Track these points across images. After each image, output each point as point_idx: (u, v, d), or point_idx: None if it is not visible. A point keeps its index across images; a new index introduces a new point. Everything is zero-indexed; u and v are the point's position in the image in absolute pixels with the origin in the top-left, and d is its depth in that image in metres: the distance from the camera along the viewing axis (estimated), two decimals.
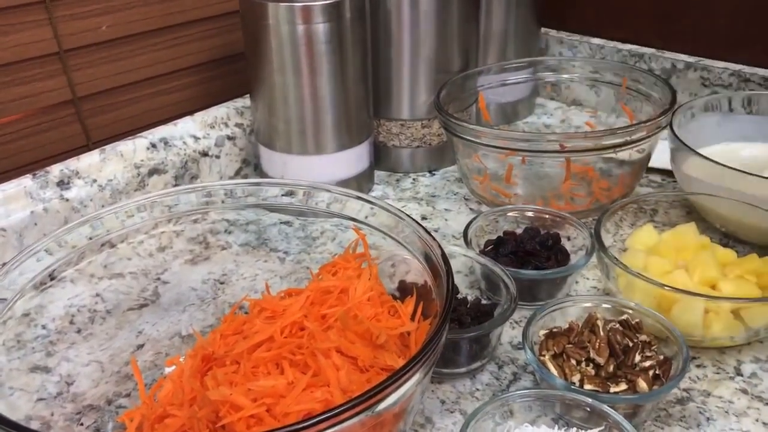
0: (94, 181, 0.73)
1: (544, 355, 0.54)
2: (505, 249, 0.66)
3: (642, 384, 0.50)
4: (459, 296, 0.62)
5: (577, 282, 0.68)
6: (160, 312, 0.63)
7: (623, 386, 0.51)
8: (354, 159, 0.80)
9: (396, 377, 0.38)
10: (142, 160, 0.76)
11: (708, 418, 0.53)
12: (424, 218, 0.79)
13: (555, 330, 0.56)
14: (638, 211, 0.72)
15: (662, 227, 0.69)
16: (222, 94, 0.88)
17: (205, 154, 0.81)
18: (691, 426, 0.53)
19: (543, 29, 1.05)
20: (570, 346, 0.54)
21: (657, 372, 0.52)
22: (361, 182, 0.81)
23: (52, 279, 0.58)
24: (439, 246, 0.49)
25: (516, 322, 0.63)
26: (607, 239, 0.66)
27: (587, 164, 0.79)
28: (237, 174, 0.86)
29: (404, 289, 0.58)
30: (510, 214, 0.71)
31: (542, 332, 0.56)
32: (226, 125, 0.84)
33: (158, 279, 0.65)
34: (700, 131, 0.78)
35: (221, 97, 0.87)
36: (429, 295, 0.51)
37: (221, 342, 0.50)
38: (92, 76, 0.76)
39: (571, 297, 0.61)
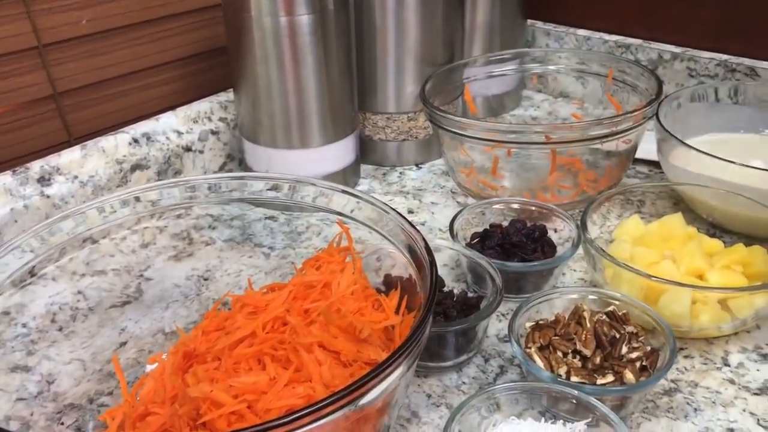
0: (76, 177, 0.72)
1: (530, 348, 0.54)
2: (491, 241, 0.66)
3: (629, 375, 0.50)
4: (445, 289, 0.62)
5: (563, 274, 0.68)
6: (143, 309, 0.62)
7: (610, 378, 0.50)
8: (340, 153, 0.79)
9: (379, 370, 0.37)
10: (124, 156, 0.75)
11: (695, 409, 0.53)
12: (410, 212, 0.79)
13: (541, 322, 0.56)
14: (625, 203, 0.72)
15: (649, 218, 0.69)
16: (205, 88, 0.87)
17: (188, 149, 0.80)
18: (679, 417, 0.52)
19: (529, 21, 1.04)
20: (556, 338, 0.54)
21: (644, 363, 0.51)
22: (347, 176, 0.81)
23: (32, 276, 0.57)
24: (423, 238, 0.48)
25: (502, 315, 0.63)
26: (594, 231, 0.65)
27: (574, 156, 0.79)
28: (221, 169, 0.85)
29: (389, 283, 0.57)
30: (496, 206, 0.70)
31: (528, 324, 0.56)
32: (210, 120, 0.83)
33: (141, 276, 0.64)
34: (686, 122, 0.78)
35: (204, 92, 0.86)
36: (414, 289, 0.51)
37: (203, 338, 0.49)
38: (73, 71, 0.75)
39: (557, 289, 0.61)
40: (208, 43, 0.87)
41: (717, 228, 0.70)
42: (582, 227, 0.62)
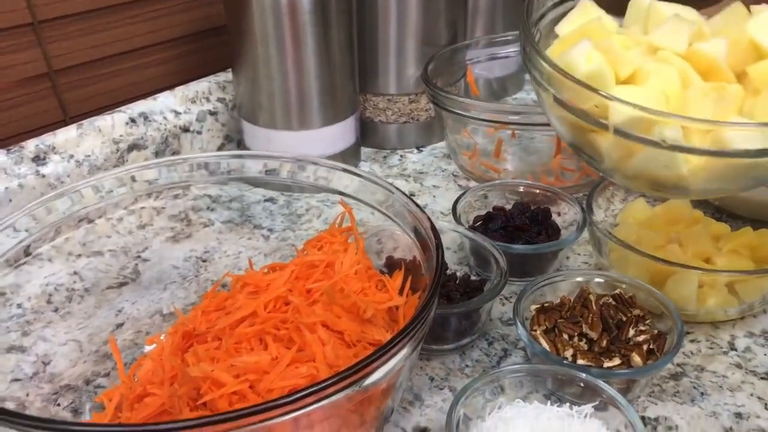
0: (71, 156, 0.70)
1: (535, 330, 0.53)
2: (494, 224, 0.65)
3: (636, 358, 0.49)
4: (448, 272, 0.61)
5: (567, 258, 0.67)
6: (140, 290, 0.61)
7: (617, 361, 0.50)
8: (340, 134, 0.78)
9: (384, 350, 0.36)
10: (121, 135, 0.74)
11: (702, 393, 0.52)
12: (411, 195, 0.78)
13: (546, 305, 0.55)
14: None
15: (654, 203, 0.68)
16: (203, 68, 0.86)
17: (186, 129, 0.79)
18: (685, 401, 0.52)
19: None
20: (562, 321, 0.53)
21: (651, 347, 0.51)
22: (347, 158, 0.79)
23: (27, 255, 0.55)
24: (428, 218, 0.47)
25: (506, 298, 0.62)
26: (599, 214, 0.64)
27: None
28: (219, 150, 0.84)
29: (392, 265, 0.56)
30: (500, 189, 0.69)
31: (533, 307, 0.55)
32: (208, 100, 0.81)
33: (138, 257, 0.63)
34: None
35: (202, 72, 0.85)
36: (418, 270, 0.50)
37: (202, 318, 0.48)
38: (68, 48, 0.74)
39: (562, 272, 0.60)
40: (206, 22, 0.85)
41: (723, 212, 0.70)
42: (587, 210, 0.61)
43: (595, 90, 0.46)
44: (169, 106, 0.78)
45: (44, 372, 0.53)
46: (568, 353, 0.51)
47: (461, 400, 0.45)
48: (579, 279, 0.57)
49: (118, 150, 0.73)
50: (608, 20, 0.53)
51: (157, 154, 0.77)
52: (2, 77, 0.70)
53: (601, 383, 0.46)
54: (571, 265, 0.66)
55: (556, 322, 0.53)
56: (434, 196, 0.78)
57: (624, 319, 0.53)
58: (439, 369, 0.55)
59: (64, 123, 0.75)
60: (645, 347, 0.50)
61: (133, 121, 0.75)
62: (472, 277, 0.60)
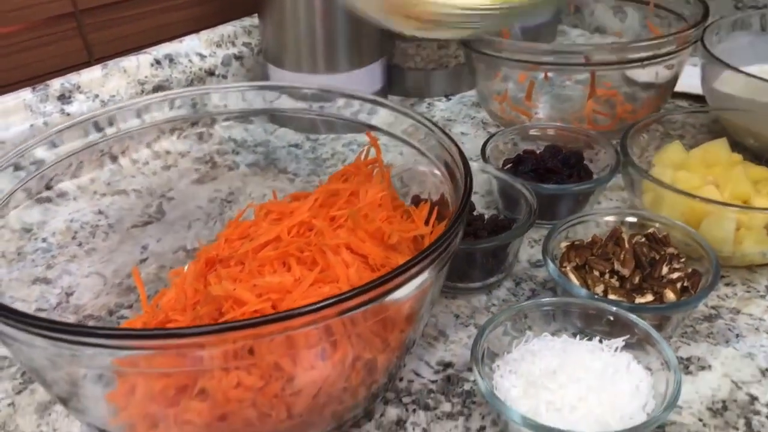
0: (96, 96, 0.70)
1: (565, 267, 0.51)
2: (524, 167, 0.63)
3: (670, 295, 0.48)
4: (475, 213, 0.59)
5: (599, 203, 0.65)
6: (164, 228, 0.60)
7: (649, 297, 0.48)
8: (366, 79, 0.76)
9: (407, 266, 0.35)
10: (146, 77, 0.73)
11: (737, 335, 0.50)
12: None
13: (577, 243, 0.53)
14: (665, 136, 0.69)
15: (689, 146, 0.66)
16: (229, 12, 0.84)
17: (211, 73, 0.78)
18: (720, 342, 0.50)
19: None
20: (593, 257, 0.51)
21: (685, 284, 0.49)
22: None
23: (48, 189, 0.55)
24: (456, 145, 0.46)
25: (535, 241, 0.61)
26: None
27: (611, 87, 0.75)
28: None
29: (418, 203, 0.55)
30: (531, 132, 0.67)
31: (564, 244, 0.53)
32: (233, 44, 0.80)
33: (163, 196, 0.63)
34: (731, 52, 0.74)
35: (228, 16, 0.84)
36: (445, 207, 0.48)
37: (226, 246, 0.48)
38: None
39: (593, 211, 0.58)
40: None
41: (762, 158, 0.67)
42: (621, 149, 0.59)
43: None
44: (195, 49, 0.77)
45: (68, 303, 0.53)
46: (599, 289, 0.49)
47: (485, 334, 0.44)
48: (611, 218, 0.55)
49: (143, 91, 0.73)
50: None
51: None
52: (27, 16, 0.69)
53: (633, 317, 0.44)
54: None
55: (587, 258, 0.51)
56: (463, 143, 0.76)
57: (657, 257, 0.51)
58: (464, 307, 0.54)
59: (88, 65, 0.74)
60: (679, 285, 0.49)
61: (158, 62, 0.74)
62: (501, 217, 0.58)
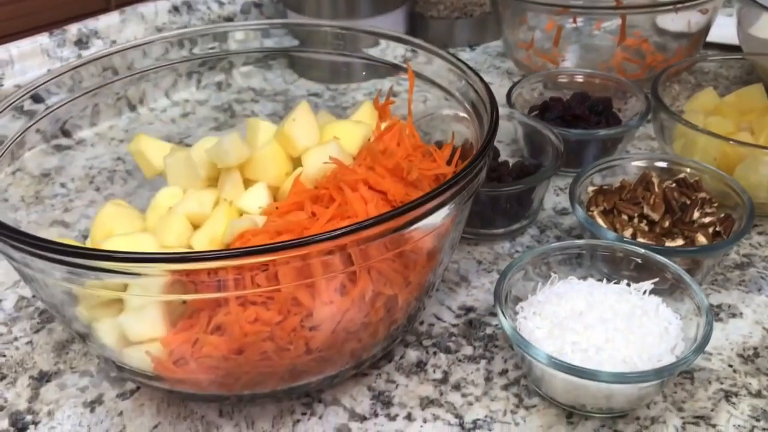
0: (114, 42, 0.69)
1: (592, 211, 0.49)
2: (551, 114, 0.61)
3: (701, 239, 0.46)
4: (500, 160, 0.58)
5: (627, 151, 0.63)
6: None
7: (680, 242, 0.46)
8: (388, 26, 0.74)
9: (430, 196, 0.34)
10: (164, 23, 0.72)
11: None
12: None
13: (605, 187, 0.52)
14: (696, 87, 0.66)
15: (723, 93, 0.63)
16: None
17: (229, 20, 0.77)
18: (752, 290, 0.48)
19: None
20: (622, 202, 0.49)
21: (718, 228, 0.47)
22: None
23: (66, 136, 0.55)
24: (481, 79, 0.44)
25: (561, 189, 0.59)
26: None
27: (641, 36, 0.73)
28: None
29: (440, 147, 0.54)
30: (559, 79, 0.65)
31: (591, 189, 0.51)
32: None
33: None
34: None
35: None
36: (468, 152, 0.47)
37: None
38: None
39: (622, 156, 0.56)
40: None
41: None
42: (653, 94, 0.57)
43: None
44: None
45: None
46: (627, 233, 0.47)
47: (508, 276, 0.43)
48: (640, 163, 0.53)
49: None
50: None
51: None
52: None
53: (664, 259, 0.43)
54: None
55: (615, 203, 0.49)
56: None
57: (688, 201, 0.49)
58: (487, 254, 0.53)
59: (107, 11, 0.73)
60: (711, 229, 0.47)
61: (176, 9, 0.73)
62: (526, 163, 0.56)
